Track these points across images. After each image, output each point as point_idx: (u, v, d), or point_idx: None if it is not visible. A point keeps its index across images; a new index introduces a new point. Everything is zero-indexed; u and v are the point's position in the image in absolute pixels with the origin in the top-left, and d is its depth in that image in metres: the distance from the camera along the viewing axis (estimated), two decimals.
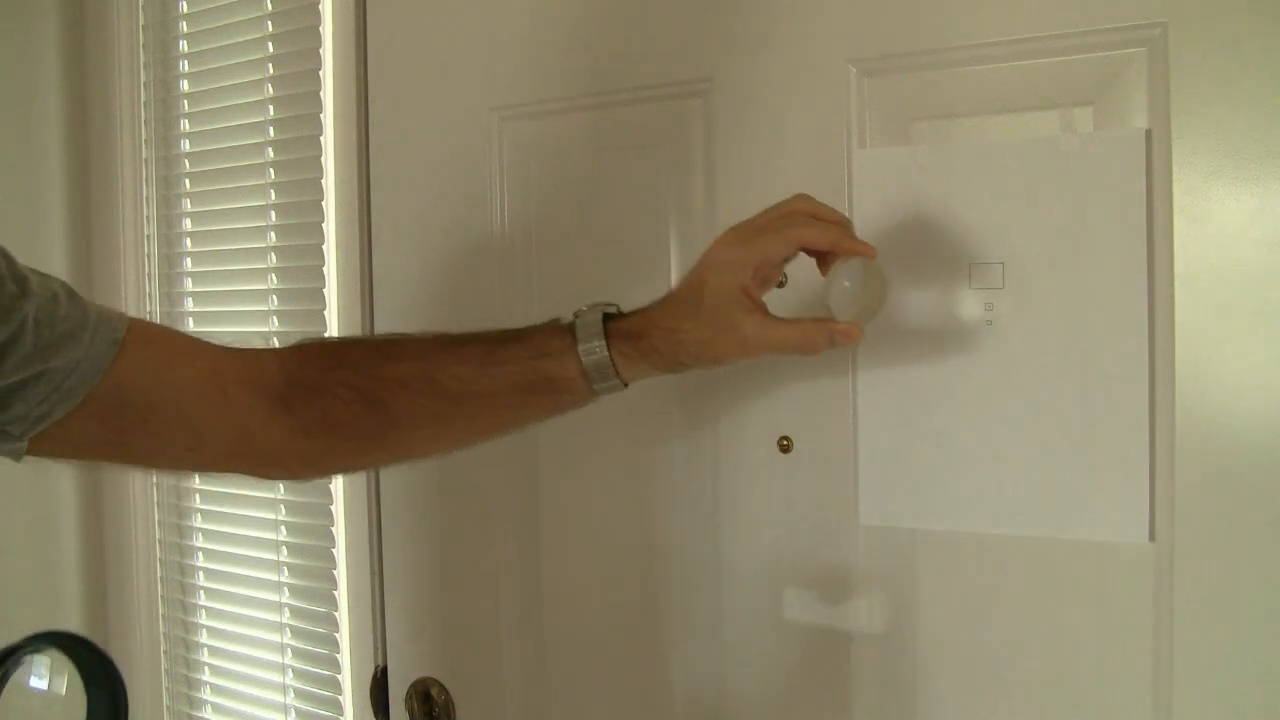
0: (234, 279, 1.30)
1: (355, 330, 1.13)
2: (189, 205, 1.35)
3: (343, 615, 1.18)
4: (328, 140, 1.16)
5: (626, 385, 0.70)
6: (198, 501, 1.37)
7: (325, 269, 1.17)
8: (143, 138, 1.35)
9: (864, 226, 0.73)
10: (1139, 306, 0.72)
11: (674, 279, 0.89)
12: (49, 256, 1.36)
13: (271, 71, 1.23)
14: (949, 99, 0.78)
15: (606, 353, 0.68)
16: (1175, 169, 0.70)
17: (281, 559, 1.27)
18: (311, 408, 0.71)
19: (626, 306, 0.71)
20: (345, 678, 1.19)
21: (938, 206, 0.77)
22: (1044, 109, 0.75)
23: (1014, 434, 0.76)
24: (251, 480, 0.76)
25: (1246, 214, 0.69)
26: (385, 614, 1.09)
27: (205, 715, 1.38)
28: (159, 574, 1.40)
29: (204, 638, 1.38)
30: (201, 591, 1.37)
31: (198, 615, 1.38)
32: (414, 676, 1.06)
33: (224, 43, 1.28)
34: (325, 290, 1.17)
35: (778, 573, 0.86)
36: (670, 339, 0.67)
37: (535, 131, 0.96)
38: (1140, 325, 0.72)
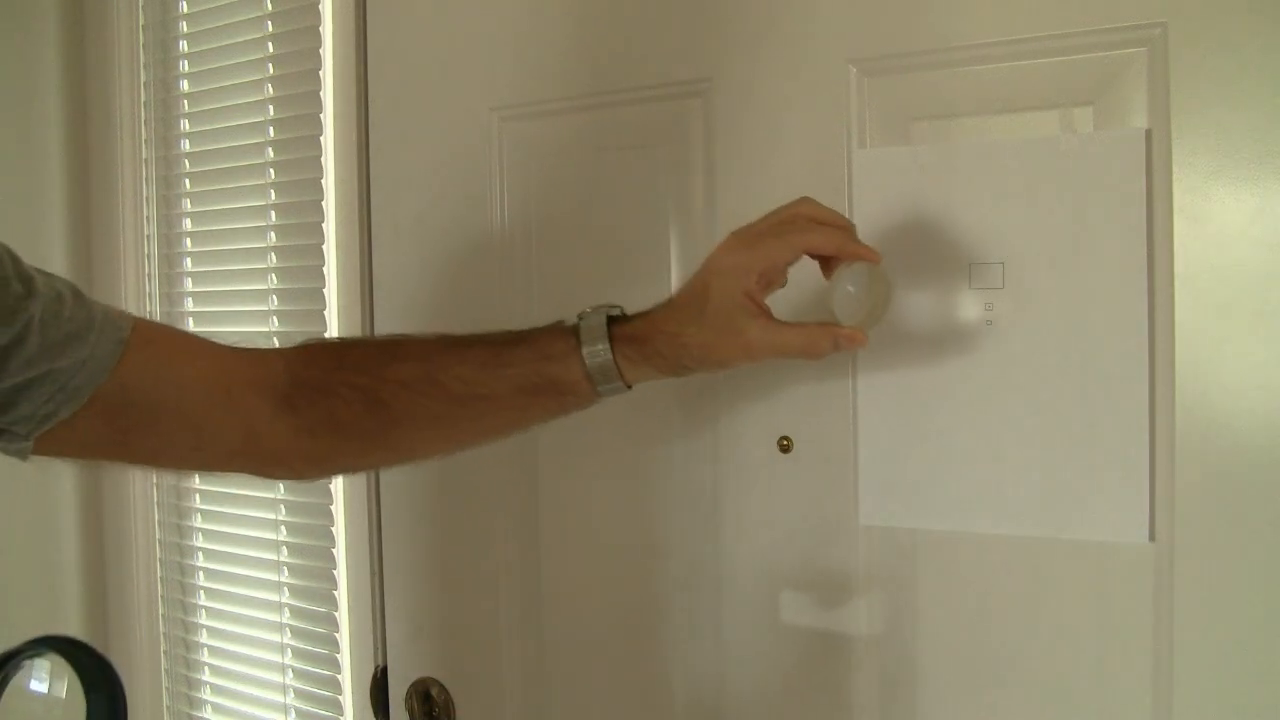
0: (234, 279, 1.30)
1: (355, 330, 1.13)
2: (189, 205, 1.35)
3: (343, 615, 1.18)
4: (328, 140, 1.16)
5: (630, 387, 0.70)
6: (198, 501, 1.37)
7: (325, 269, 1.17)
8: (143, 138, 1.35)
9: (864, 227, 0.73)
10: (1139, 306, 0.72)
11: (674, 279, 0.89)
12: (49, 256, 1.36)
13: (271, 71, 1.23)
14: (949, 99, 0.78)
15: (610, 356, 0.68)
16: (1175, 169, 0.70)
17: (281, 559, 1.27)
18: (316, 408, 0.71)
19: (627, 307, 0.71)
20: (345, 678, 1.19)
21: (938, 206, 0.77)
22: (1044, 109, 0.75)
23: (1014, 434, 0.76)
24: (255, 480, 0.76)
25: (1246, 214, 0.69)
26: (385, 614, 1.09)
27: (205, 715, 1.38)
28: (159, 574, 1.40)
29: (204, 638, 1.38)
30: (201, 591, 1.37)
31: (198, 615, 1.38)
32: (414, 676, 1.06)
33: (224, 43, 1.28)
34: (325, 290, 1.17)
35: (778, 572, 0.86)
36: (674, 343, 0.68)
37: (535, 131, 0.96)
38: (1140, 325, 0.72)
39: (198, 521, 1.37)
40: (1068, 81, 0.74)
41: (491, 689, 1.02)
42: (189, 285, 1.35)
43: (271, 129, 1.24)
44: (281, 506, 1.26)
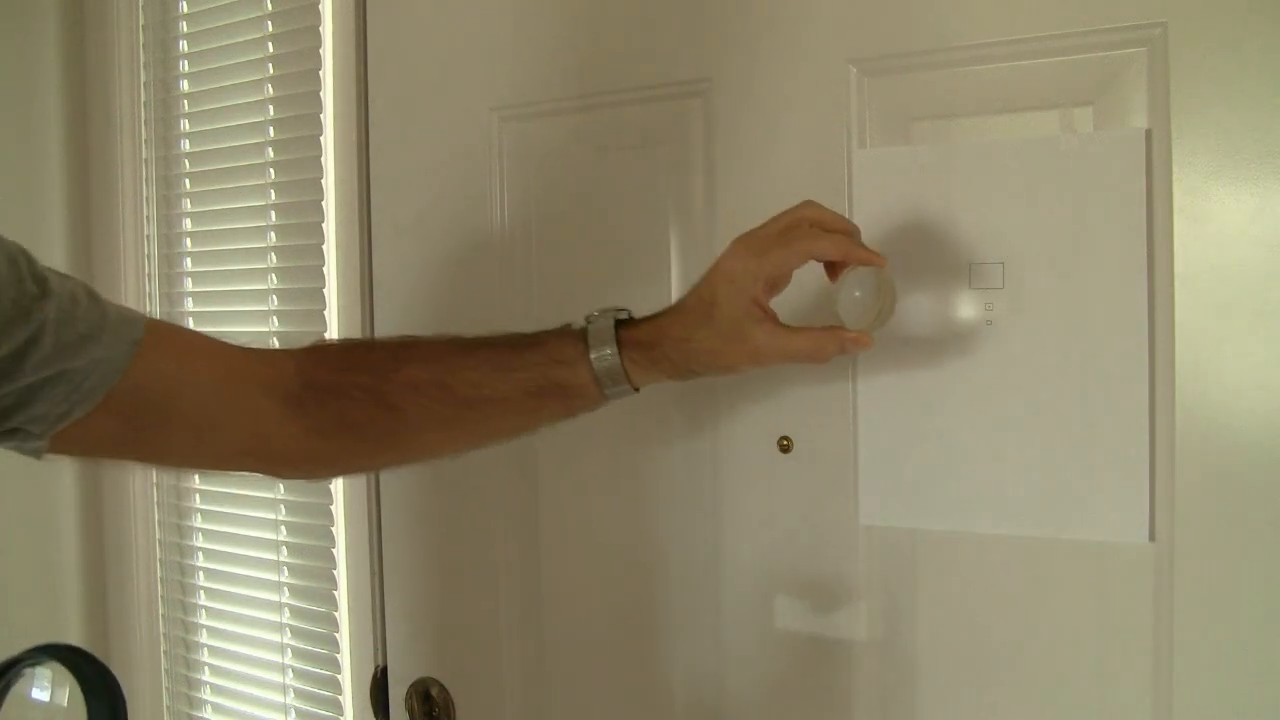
0: (234, 279, 1.30)
1: (355, 330, 1.13)
2: (189, 205, 1.35)
3: (343, 615, 1.18)
4: (328, 140, 1.16)
5: (637, 390, 0.71)
6: (198, 501, 1.37)
7: (325, 269, 1.17)
8: (143, 138, 1.35)
9: (864, 227, 0.73)
10: (1139, 306, 0.72)
11: (674, 279, 0.89)
12: (49, 256, 1.34)
13: (271, 71, 1.23)
14: (949, 99, 0.78)
15: (618, 360, 0.69)
16: (1175, 169, 0.70)
17: (281, 559, 1.27)
18: (326, 409, 0.72)
19: (628, 306, 0.72)
20: (345, 678, 1.19)
21: (938, 206, 0.78)
22: (1044, 109, 0.75)
23: (1014, 434, 0.76)
24: (258, 479, 0.77)
25: (1246, 214, 0.69)
26: (385, 614, 1.09)
27: (205, 715, 1.38)
28: (159, 574, 1.40)
29: (204, 638, 1.38)
30: (201, 591, 1.37)
31: (198, 615, 1.38)
32: (414, 676, 1.06)
33: (224, 43, 1.28)
34: (325, 290, 1.17)
35: (777, 572, 0.86)
36: (682, 348, 0.69)
37: (535, 131, 0.96)
38: (1140, 325, 0.72)
39: (198, 521, 1.37)
40: (1068, 81, 0.74)
41: (491, 689, 1.02)
42: (189, 285, 1.35)
43: (271, 129, 1.24)
44: (281, 506, 1.26)
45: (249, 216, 1.27)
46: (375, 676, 1.12)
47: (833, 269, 0.70)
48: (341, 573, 1.18)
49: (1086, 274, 0.73)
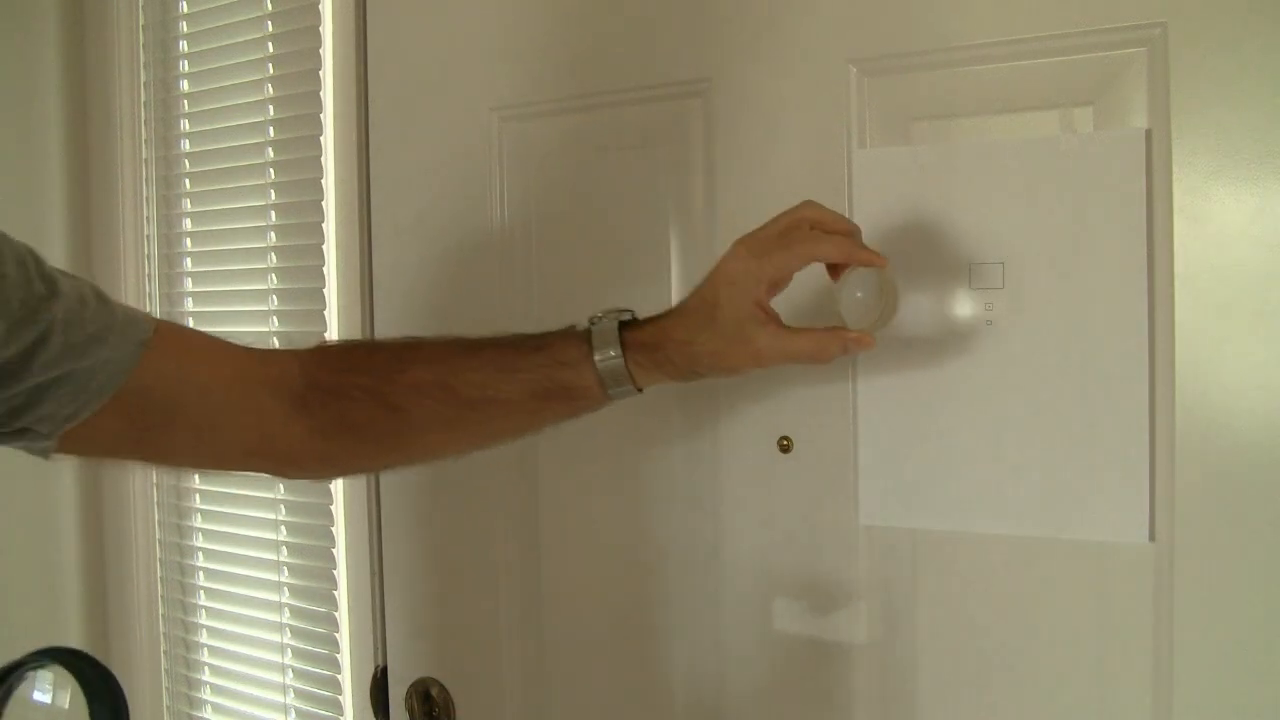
0: (234, 279, 1.30)
1: (355, 330, 1.13)
2: (189, 205, 1.35)
3: (343, 615, 1.18)
4: (328, 140, 1.16)
5: (641, 390, 0.71)
6: (198, 501, 1.37)
7: (325, 269, 1.17)
8: (143, 138, 1.35)
9: (864, 227, 0.73)
10: (1139, 306, 0.72)
11: (674, 278, 0.89)
12: (49, 257, 1.34)
13: (271, 71, 1.23)
14: (949, 99, 0.78)
15: (622, 362, 0.69)
16: (1175, 169, 0.70)
17: (281, 559, 1.27)
18: (330, 410, 0.73)
19: (628, 306, 0.72)
20: (345, 678, 1.19)
21: (938, 206, 0.77)
22: (1044, 109, 0.75)
23: (1014, 434, 0.76)
24: (260, 479, 0.78)
25: (1246, 214, 0.69)
26: (385, 614, 1.09)
27: (205, 715, 1.38)
28: (159, 574, 1.40)
29: (204, 638, 1.38)
30: (201, 591, 1.37)
31: (198, 615, 1.38)
32: (414, 676, 1.06)
33: (224, 43, 1.28)
34: (325, 290, 1.17)
35: (777, 572, 0.86)
36: (685, 351, 0.69)
37: (535, 131, 0.96)
38: (1140, 325, 0.72)
39: (198, 521, 1.37)
40: (1068, 81, 0.74)
41: (491, 689, 1.02)
42: (189, 285, 1.35)
43: (271, 129, 1.24)
44: (281, 506, 1.26)
45: (249, 216, 1.27)
46: (375, 676, 1.12)
47: (834, 269, 0.71)
48: (341, 573, 1.18)
49: (1086, 274, 0.73)
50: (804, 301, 0.77)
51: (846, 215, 0.73)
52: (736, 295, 0.67)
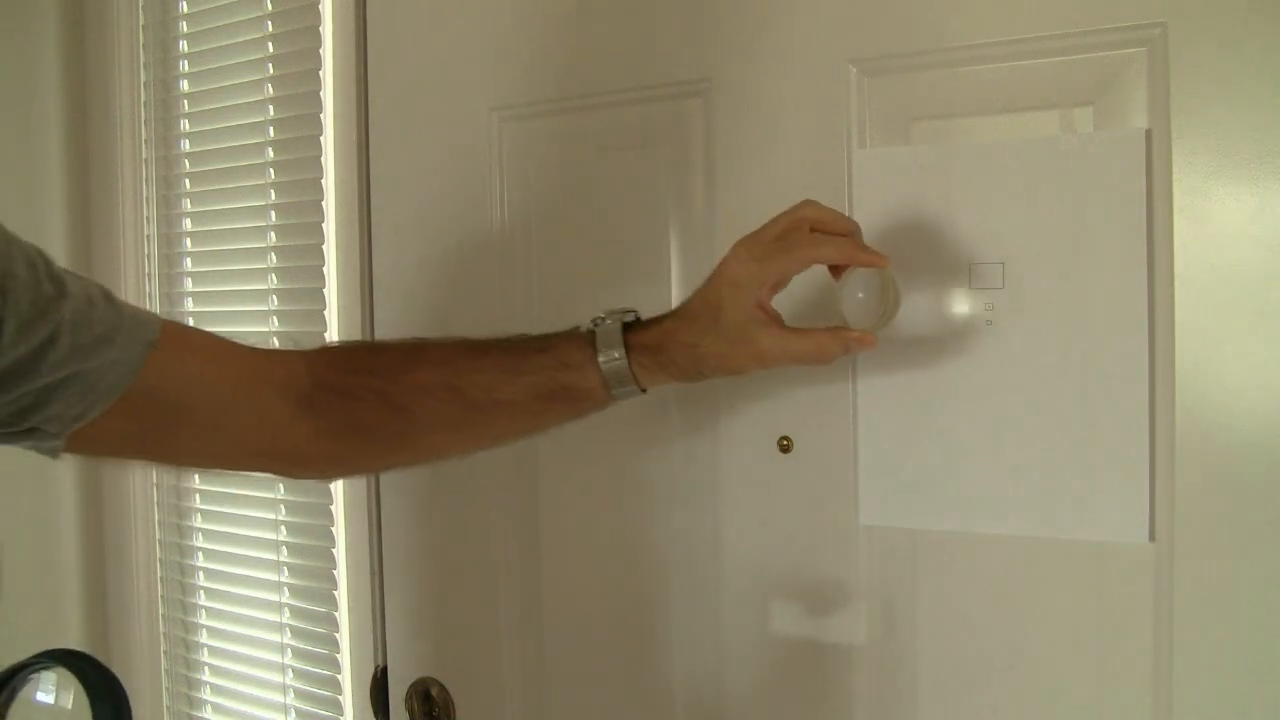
0: (234, 279, 1.30)
1: (355, 330, 1.13)
2: (189, 205, 1.35)
3: (343, 615, 1.18)
4: (328, 140, 1.16)
5: (645, 391, 0.72)
6: (198, 501, 1.37)
7: (325, 269, 1.17)
8: (143, 138, 1.35)
9: (864, 227, 0.73)
10: (1139, 306, 0.72)
11: (674, 278, 0.89)
12: None
13: (271, 71, 1.23)
14: (949, 99, 0.78)
15: (626, 363, 0.70)
16: (1175, 169, 0.70)
17: (281, 559, 1.27)
18: (336, 410, 0.73)
19: (628, 306, 0.72)
20: (345, 678, 1.19)
21: (938, 206, 0.77)
22: (1044, 109, 0.75)
23: (1014, 434, 0.76)
24: (265, 479, 0.78)
25: (1246, 214, 0.69)
26: (385, 614, 1.09)
27: (205, 715, 1.38)
28: (159, 574, 1.40)
29: (204, 638, 1.38)
30: (201, 591, 1.37)
31: (198, 615, 1.38)
32: (414, 676, 1.06)
33: (224, 43, 1.28)
34: (325, 290, 1.17)
35: (777, 573, 0.86)
36: (689, 353, 0.70)
37: (535, 131, 0.96)
38: (1140, 325, 0.72)
39: (198, 521, 1.37)
40: (1068, 81, 0.74)
41: (491, 689, 1.02)
42: (189, 285, 1.35)
43: (271, 129, 1.24)
44: (281, 506, 1.26)
45: (249, 216, 1.27)
46: (375, 676, 1.12)
47: (836, 269, 0.71)
48: (341, 573, 1.18)
49: (1086, 274, 0.73)
50: (805, 299, 0.77)
51: (852, 219, 0.73)
52: (739, 297, 0.68)
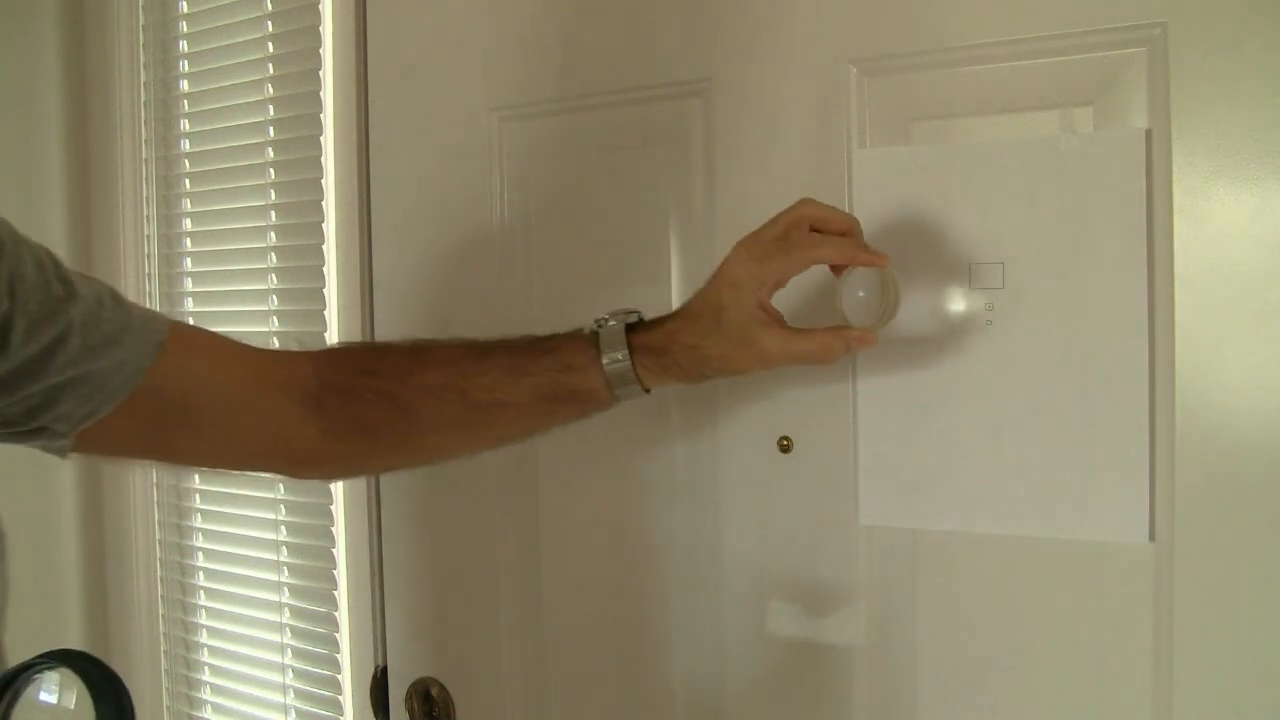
0: (234, 279, 1.30)
1: (355, 329, 1.13)
2: (189, 205, 1.35)
3: (343, 615, 1.18)
4: (328, 140, 1.16)
5: (648, 391, 0.72)
6: (198, 501, 1.37)
7: (325, 269, 1.17)
8: (143, 138, 1.35)
9: (865, 227, 0.73)
10: (1139, 306, 0.72)
11: (674, 278, 0.89)
12: None
13: (271, 71, 1.23)
14: (949, 99, 0.78)
15: (630, 365, 0.70)
16: (1175, 169, 0.70)
17: (281, 559, 1.27)
18: (343, 411, 0.74)
19: (628, 306, 0.73)
20: (345, 678, 1.19)
21: (938, 206, 0.77)
22: (1044, 109, 0.75)
23: (1014, 434, 0.76)
24: (265, 479, 0.79)
25: (1246, 214, 0.69)
26: (385, 614, 1.09)
27: (205, 715, 1.38)
28: (159, 574, 1.40)
29: (204, 638, 1.38)
30: (201, 591, 1.37)
31: (198, 615, 1.38)
32: (414, 676, 1.06)
33: (224, 43, 1.28)
34: (325, 290, 1.17)
35: (777, 573, 0.86)
36: (692, 355, 0.70)
37: (535, 131, 0.96)
38: (1140, 325, 0.72)
39: (198, 521, 1.37)
40: (1068, 81, 0.74)
41: (491, 689, 1.02)
42: (189, 285, 1.35)
43: (271, 129, 1.24)
44: (281, 506, 1.26)
45: (249, 216, 1.27)
46: (375, 676, 1.12)
47: (837, 266, 0.71)
48: (341, 573, 1.18)
49: (1086, 274, 0.73)
50: (806, 297, 0.77)
51: (851, 215, 0.74)
52: (740, 298, 0.68)
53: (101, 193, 1.38)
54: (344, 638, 1.18)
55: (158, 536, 1.39)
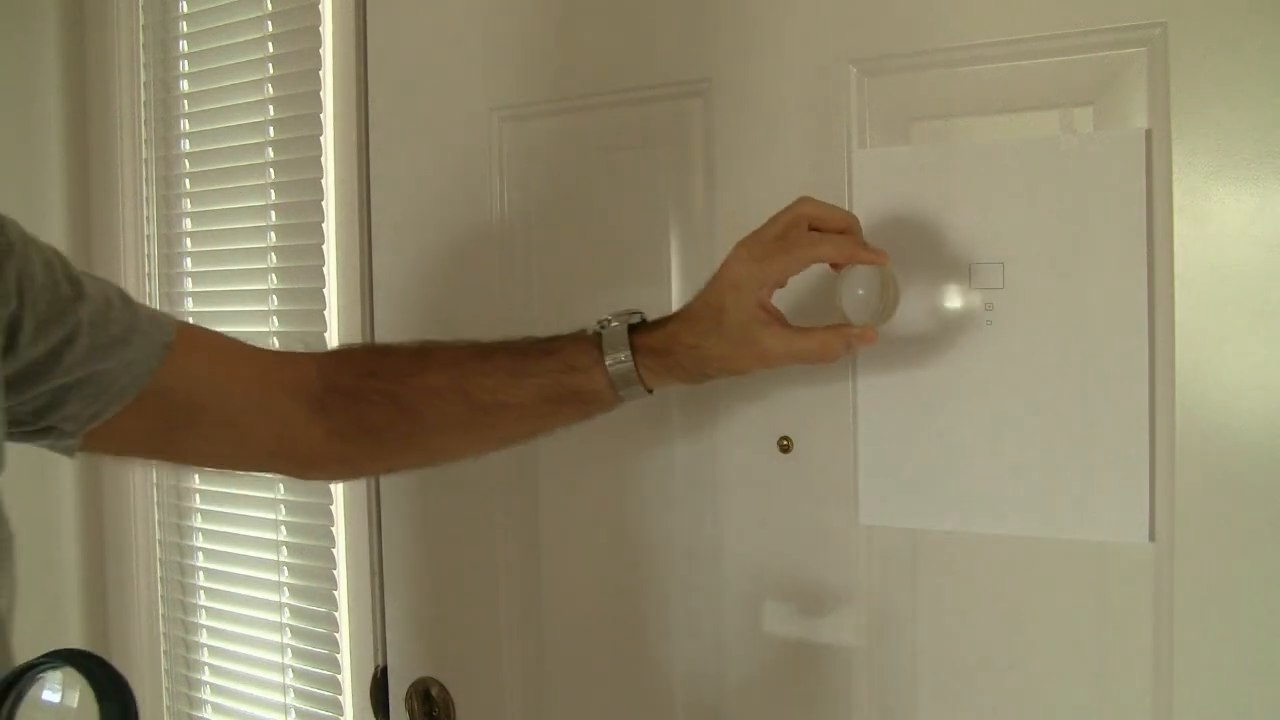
0: (234, 279, 1.30)
1: (355, 329, 1.13)
2: (189, 205, 1.35)
3: (343, 615, 1.18)
4: (328, 140, 1.16)
5: (651, 391, 0.73)
6: (198, 501, 1.37)
7: (325, 269, 1.17)
8: (143, 138, 1.35)
9: (864, 227, 0.73)
10: (1139, 306, 0.72)
11: (674, 278, 0.89)
12: None
13: (271, 71, 1.23)
14: (949, 99, 0.78)
15: (632, 365, 0.71)
16: (1175, 169, 0.70)
17: (281, 559, 1.27)
18: (348, 413, 0.74)
19: (628, 306, 0.73)
20: (345, 678, 1.19)
21: (938, 206, 0.77)
22: (1044, 109, 0.75)
23: (1014, 434, 0.76)
24: (265, 479, 0.80)
25: (1246, 214, 0.69)
26: (385, 614, 1.09)
27: (205, 715, 1.38)
28: (159, 574, 1.40)
29: (204, 638, 1.38)
30: (201, 591, 1.37)
31: (198, 615, 1.38)
32: (414, 676, 1.06)
33: (224, 43, 1.28)
34: (325, 290, 1.17)
35: (778, 573, 0.86)
36: (694, 355, 0.70)
37: (535, 131, 0.96)
38: (1140, 325, 0.72)
39: (198, 521, 1.37)
40: (1068, 81, 0.74)
41: (491, 689, 1.02)
42: (189, 285, 1.35)
43: (271, 129, 1.24)
44: (281, 506, 1.26)
45: (249, 216, 1.27)
46: (375, 676, 1.12)
47: (836, 264, 0.71)
48: (341, 573, 1.18)
49: (1086, 274, 0.73)
50: (805, 294, 0.77)
51: (850, 213, 0.74)
52: (741, 299, 0.68)
53: (101, 193, 1.38)
54: (344, 638, 1.18)
55: (158, 536, 1.39)
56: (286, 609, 1.27)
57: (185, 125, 1.33)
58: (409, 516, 1.07)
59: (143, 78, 1.35)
